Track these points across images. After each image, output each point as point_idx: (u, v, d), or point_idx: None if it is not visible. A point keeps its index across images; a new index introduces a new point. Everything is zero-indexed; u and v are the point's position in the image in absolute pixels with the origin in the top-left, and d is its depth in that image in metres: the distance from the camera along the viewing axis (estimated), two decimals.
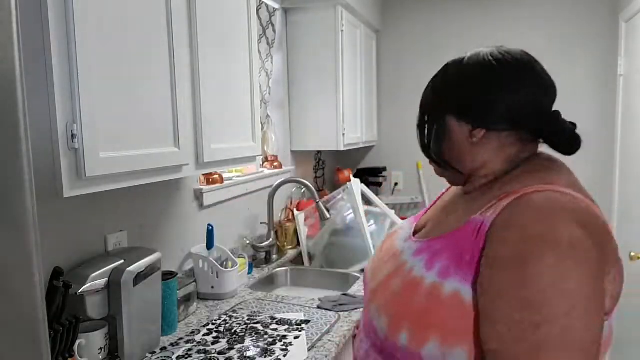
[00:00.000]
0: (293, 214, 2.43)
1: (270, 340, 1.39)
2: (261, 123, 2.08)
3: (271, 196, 2.22)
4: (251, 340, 1.38)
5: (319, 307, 1.64)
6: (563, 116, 0.86)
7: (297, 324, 1.49)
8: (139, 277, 1.24)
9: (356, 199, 2.26)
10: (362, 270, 1.09)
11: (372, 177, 3.35)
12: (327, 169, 3.29)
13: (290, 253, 2.35)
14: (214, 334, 1.43)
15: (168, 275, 1.45)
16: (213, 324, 1.51)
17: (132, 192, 1.50)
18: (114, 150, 1.04)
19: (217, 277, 1.72)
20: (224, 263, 1.80)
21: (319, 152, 3.10)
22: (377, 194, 2.79)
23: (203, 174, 1.89)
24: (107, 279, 1.20)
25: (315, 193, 2.13)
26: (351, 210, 2.29)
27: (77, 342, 1.13)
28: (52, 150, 0.92)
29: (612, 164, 2.97)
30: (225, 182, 2.01)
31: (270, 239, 2.20)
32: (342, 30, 2.55)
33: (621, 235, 2.81)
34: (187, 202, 1.80)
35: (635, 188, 2.56)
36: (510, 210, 0.71)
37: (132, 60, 1.09)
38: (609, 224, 0.75)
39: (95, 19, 0.98)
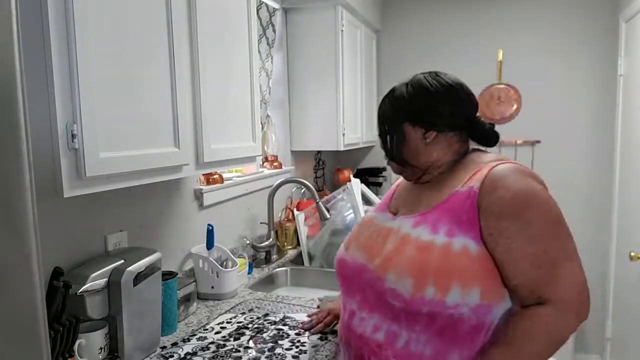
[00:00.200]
0: (293, 214, 2.43)
1: (273, 340, 1.39)
2: (261, 123, 2.08)
3: (271, 196, 2.22)
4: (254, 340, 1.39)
5: (319, 307, 1.64)
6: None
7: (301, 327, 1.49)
8: (139, 277, 1.24)
9: (356, 199, 2.26)
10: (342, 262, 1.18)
11: (372, 177, 3.35)
12: (327, 169, 3.29)
13: (290, 253, 2.35)
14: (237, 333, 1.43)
15: (168, 275, 1.45)
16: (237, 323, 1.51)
17: (132, 192, 1.50)
18: (114, 150, 1.04)
19: (217, 277, 1.72)
20: (224, 263, 1.80)
21: (319, 152, 3.10)
22: (377, 194, 2.79)
23: (203, 174, 1.89)
24: (107, 279, 1.20)
25: (315, 193, 2.13)
26: (351, 210, 2.29)
27: (77, 342, 1.13)
28: (52, 150, 0.92)
29: (612, 164, 2.97)
30: (225, 182, 2.01)
31: (270, 239, 2.20)
32: (342, 30, 2.55)
33: (621, 235, 2.81)
34: (187, 202, 1.80)
35: (635, 188, 2.55)
36: (491, 178, 0.98)
37: (132, 60, 1.09)
38: None
39: (95, 19, 0.98)
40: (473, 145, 1.14)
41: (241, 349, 1.34)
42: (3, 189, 0.57)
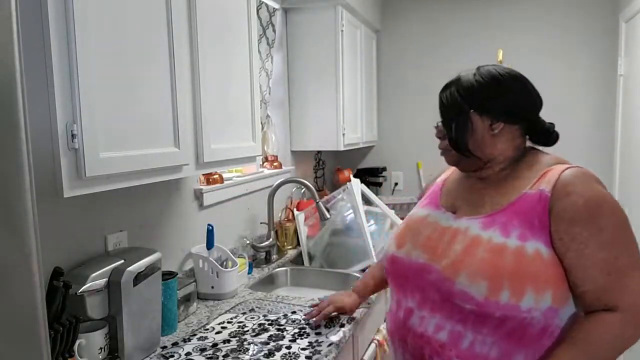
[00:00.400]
0: (293, 214, 2.43)
1: (273, 340, 1.39)
2: (261, 123, 2.08)
3: (271, 196, 2.22)
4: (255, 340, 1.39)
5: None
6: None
7: (301, 327, 1.49)
8: (139, 277, 1.24)
9: (356, 199, 2.26)
10: (391, 260, 1.15)
11: (372, 177, 3.35)
12: (327, 169, 3.29)
13: (290, 253, 2.35)
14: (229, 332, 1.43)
15: (168, 275, 1.45)
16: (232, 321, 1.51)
17: (132, 192, 1.50)
18: (114, 150, 1.04)
19: (217, 277, 1.72)
20: (224, 263, 1.80)
21: (319, 152, 3.10)
22: (377, 194, 2.79)
23: (203, 174, 1.89)
24: (107, 279, 1.20)
25: (315, 193, 2.13)
26: (351, 210, 2.29)
27: (77, 342, 1.13)
28: (52, 150, 0.92)
29: (612, 164, 2.97)
30: (225, 182, 2.01)
31: (270, 239, 2.20)
32: (342, 30, 2.55)
33: None
34: (187, 202, 1.79)
35: (635, 188, 2.55)
36: (563, 183, 0.97)
37: (132, 60, 1.09)
38: None
39: (95, 18, 0.98)
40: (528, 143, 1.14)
41: (241, 349, 1.34)
42: (3, 189, 0.57)
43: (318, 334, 1.43)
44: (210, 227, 1.77)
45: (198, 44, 1.33)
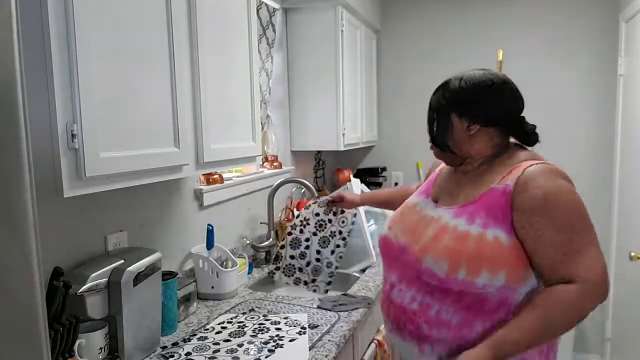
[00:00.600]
0: (293, 214, 2.43)
1: (273, 340, 1.39)
2: (261, 123, 2.08)
3: (271, 196, 2.22)
4: (253, 339, 1.39)
5: (319, 307, 1.65)
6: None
7: (301, 327, 1.49)
8: (139, 277, 1.24)
9: None
10: (385, 242, 1.33)
11: (372, 177, 3.35)
12: (327, 169, 3.29)
13: None
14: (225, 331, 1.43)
15: (168, 275, 1.45)
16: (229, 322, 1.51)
17: (132, 192, 1.50)
18: (114, 150, 1.04)
19: (217, 277, 1.72)
20: (224, 263, 1.80)
21: (319, 152, 3.10)
22: None
23: (203, 174, 1.89)
24: (107, 279, 1.20)
25: (315, 193, 2.13)
26: None
27: (77, 342, 1.13)
28: (52, 150, 0.92)
29: (612, 164, 2.97)
30: (225, 182, 2.01)
31: (270, 239, 2.20)
32: (342, 30, 2.55)
33: (621, 235, 2.81)
34: (187, 202, 1.80)
35: (635, 188, 2.56)
36: (524, 179, 1.09)
37: (132, 60, 1.10)
38: None
39: (95, 18, 0.98)
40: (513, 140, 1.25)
41: (241, 349, 1.34)
42: (3, 189, 0.57)
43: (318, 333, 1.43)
44: (210, 227, 1.77)
45: (198, 44, 1.33)
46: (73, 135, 0.94)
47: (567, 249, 1.05)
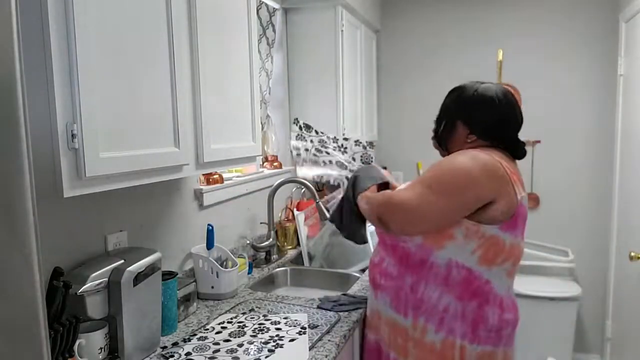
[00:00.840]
0: (293, 214, 2.43)
1: (273, 340, 1.39)
2: (261, 123, 2.08)
3: (271, 196, 2.22)
4: (253, 339, 1.39)
5: (319, 307, 1.65)
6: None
7: (301, 327, 1.49)
8: (139, 277, 1.24)
9: None
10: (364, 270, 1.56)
11: None
12: None
13: (290, 253, 2.35)
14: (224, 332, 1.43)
15: (168, 275, 1.45)
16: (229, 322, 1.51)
17: (132, 192, 1.50)
18: (114, 150, 1.04)
19: (217, 277, 1.72)
20: (224, 263, 1.80)
21: None
22: None
23: (203, 174, 1.89)
24: (107, 279, 1.20)
25: (315, 193, 2.13)
26: None
27: (77, 342, 1.13)
28: (52, 150, 0.92)
29: (612, 164, 2.97)
30: (225, 182, 2.01)
31: (270, 239, 2.20)
32: (342, 30, 2.55)
33: (621, 235, 2.81)
34: (187, 202, 1.80)
35: (635, 188, 2.56)
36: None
37: (132, 60, 1.10)
38: (511, 177, 1.30)
39: (95, 18, 0.98)
40: None
41: (241, 349, 1.34)
42: (3, 189, 0.57)
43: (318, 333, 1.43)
44: (210, 227, 1.77)
45: (198, 44, 1.33)
46: (73, 135, 0.94)
47: (410, 184, 1.37)
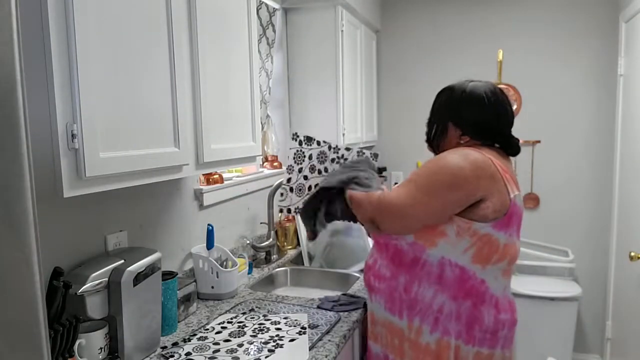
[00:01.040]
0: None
1: (273, 340, 1.39)
2: (261, 123, 2.08)
3: (271, 196, 2.22)
4: (253, 338, 1.39)
5: (319, 307, 1.65)
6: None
7: (301, 327, 1.49)
8: (139, 277, 1.24)
9: None
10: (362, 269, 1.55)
11: None
12: None
13: (290, 253, 2.35)
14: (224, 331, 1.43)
15: (168, 275, 1.45)
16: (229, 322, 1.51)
17: (132, 192, 1.50)
18: (114, 150, 1.04)
19: (217, 277, 1.72)
20: (224, 263, 1.80)
21: None
22: None
23: (203, 174, 1.89)
24: (107, 279, 1.20)
25: None
26: None
27: (77, 342, 1.13)
28: (52, 150, 0.92)
29: (612, 164, 2.97)
30: (225, 182, 2.01)
31: (270, 239, 2.20)
32: (342, 30, 2.55)
33: (621, 235, 2.81)
34: (187, 202, 1.80)
35: (635, 188, 2.56)
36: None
37: (132, 61, 1.09)
38: (503, 175, 1.29)
39: (95, 18, 0.98)
40: None
41: (241, 349, 1.34)
42: (3, 189, 0.57)
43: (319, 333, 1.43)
44: (210, 227, 1.77)
45: (198, 44, 1.33)
46: (73, 136, 0.94)
47: (403, 183, 1.36)
